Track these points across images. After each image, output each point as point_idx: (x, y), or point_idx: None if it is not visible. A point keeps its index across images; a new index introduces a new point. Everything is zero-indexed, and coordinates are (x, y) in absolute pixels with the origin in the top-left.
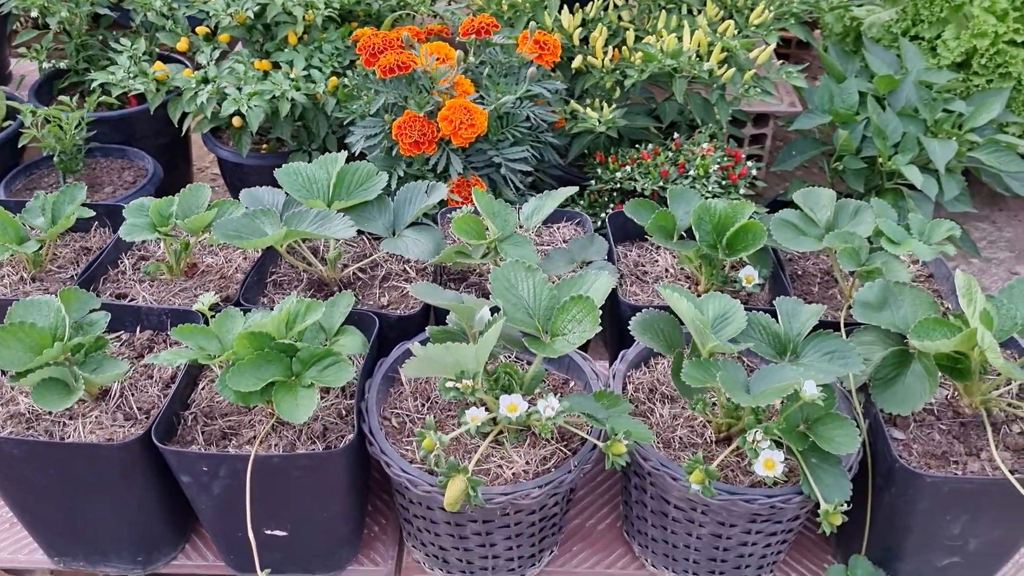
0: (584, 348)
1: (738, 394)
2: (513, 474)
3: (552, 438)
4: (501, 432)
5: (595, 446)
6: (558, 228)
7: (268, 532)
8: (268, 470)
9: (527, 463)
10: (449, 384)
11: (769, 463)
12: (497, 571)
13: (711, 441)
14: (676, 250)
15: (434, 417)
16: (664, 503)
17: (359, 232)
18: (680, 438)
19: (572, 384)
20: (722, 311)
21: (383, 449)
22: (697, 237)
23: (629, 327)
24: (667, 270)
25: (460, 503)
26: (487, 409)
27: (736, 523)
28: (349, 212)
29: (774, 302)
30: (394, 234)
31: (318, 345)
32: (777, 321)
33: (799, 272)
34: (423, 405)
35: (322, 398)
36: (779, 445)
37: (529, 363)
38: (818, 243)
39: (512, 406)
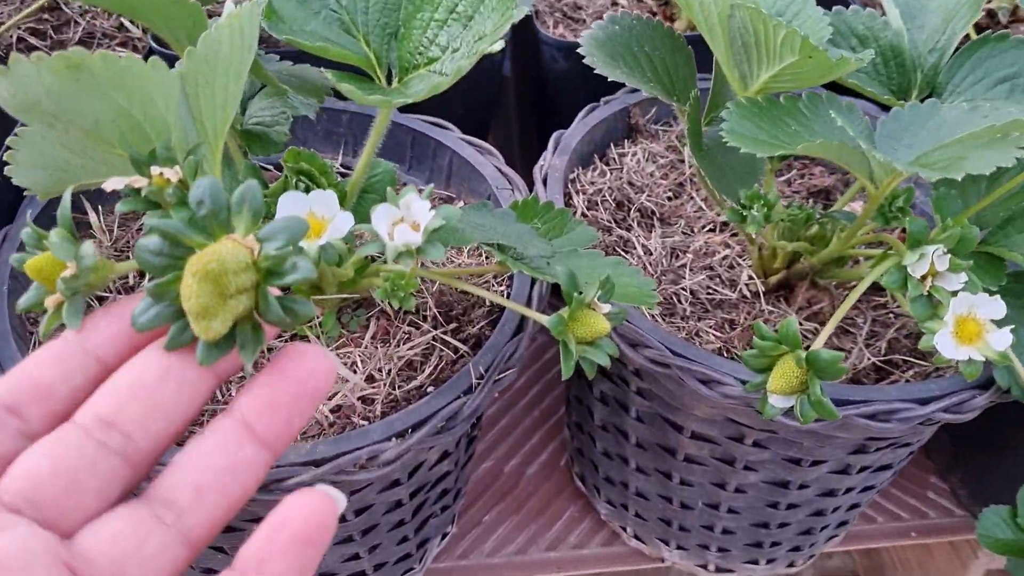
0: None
1: (891, 152)
2: (335, 412)
3: (425, 315)
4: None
5: (521, 325)
6: None
7: None
8: None
9: (371, 378)
10: (113, 185)
11: (970, 327)
12: None
13: (751, 295)
14: None
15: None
16: (670, 431)
17: None
18: (691, 293)
19: (461, 205)
20: (775, 7)
21: None
22: None
23: (569, 86)
24: (614, 3)
25: None
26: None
27: (825, 459)
28: None
29: None
30: None
31: None
32: (889, 25)
33: None
34: (142, 275)
35: None
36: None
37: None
38: None
39: (315, 223)
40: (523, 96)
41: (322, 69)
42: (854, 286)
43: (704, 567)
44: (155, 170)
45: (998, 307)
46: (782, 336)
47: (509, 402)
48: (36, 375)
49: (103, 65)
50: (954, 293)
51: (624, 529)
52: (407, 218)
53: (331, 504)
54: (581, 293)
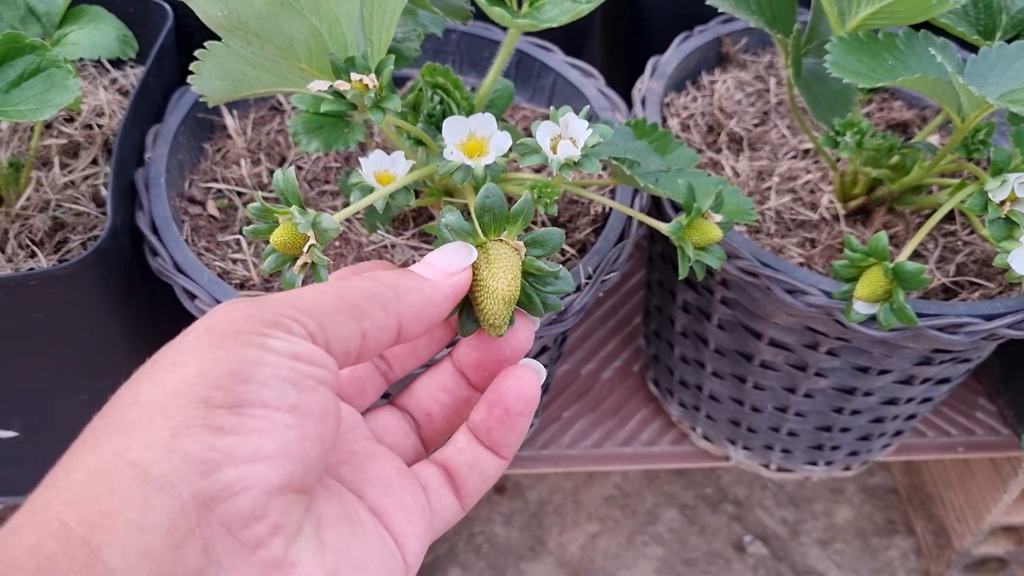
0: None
1: (984, 86)
2: None
3: (535, 221)
4: (423, 220)
5: (624, 232)
6: None
7: None
8: None
9: None
10: (318, 85)
11: None
12: None
13: (831, 217)
14: None
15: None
16: (749, 338)
17: None
18: (776, 213)
19: None
20: None
21: (177, 262)
22: None
23: (663, 13)
24: None
25: None
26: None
27: (892, 368)
28: None
29: None
30: None
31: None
32: None
33: None
34: (271, 173)
35: (65, 168)
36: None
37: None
38: None
39: (472, 144)
40: (613, 23)
41: None
42: (929, 213)
43: (766, 466)
44: (355, 77)
45: None
46: (871, 249)
47: (587, 311)
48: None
49: None
50: None
51: (694, 429)
52: (565, 135)
53: (535, 378)
54: (695, 204)
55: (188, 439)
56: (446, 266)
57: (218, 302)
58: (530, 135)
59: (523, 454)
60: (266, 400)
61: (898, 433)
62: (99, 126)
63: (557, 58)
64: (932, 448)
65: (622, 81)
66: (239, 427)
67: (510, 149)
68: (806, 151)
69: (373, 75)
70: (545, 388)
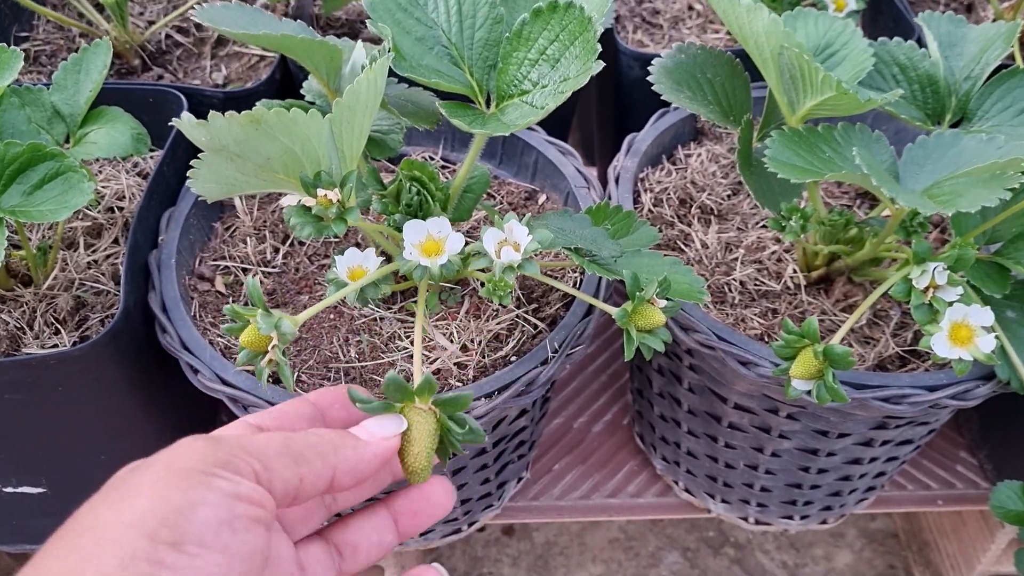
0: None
1: (895, 187)
2: (435, 375)
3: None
4: (411, 295)
5: (590, 308)
6: None
7: (9, 490)
8: None
9: (465, 348)
10: (288, 202)
11: (962, 332)
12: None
13: (794, 287)
14: None
15: (298, 271)
16: (716, 401)
17: None
18: (740, 284)
19: (544, 199)
20: (824, 37)
21: (183, 339)
22: None
23: (644, 92)
24: (691, 7)
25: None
26: (384, 253)
27: (850, 432)
28: None
29: (919, 19)
30: None
31: (39, 141)
32: (927, 56)
33: None
34: (276, 251)
35: (89, 248)
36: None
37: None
38: None
39: (430, 244)
40: (603, 97)
41: (435, 100)
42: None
43: (745, 519)
44: (320, 192)
45: (987, 316)
46: (805, 331)
47: (580, 366)
48: (283, 410)
49: (276, 118)
50: (951, 303)
51: (676, 483)
52: (510, 240)
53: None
54: (642, 291)
55: (133, 570)
56: (378, 431)
57: (218, 376)
58: (514, 209)
59: (515, 504)
60: (203, 539)
61: (870, 489)
62: (120, 209)
63: (539, 137)
64: (911, 501)
65: (613, 148)
66: (176, 563)
67: (466, 244)
68: None
69: (337, 190)
70: (533, 443)
